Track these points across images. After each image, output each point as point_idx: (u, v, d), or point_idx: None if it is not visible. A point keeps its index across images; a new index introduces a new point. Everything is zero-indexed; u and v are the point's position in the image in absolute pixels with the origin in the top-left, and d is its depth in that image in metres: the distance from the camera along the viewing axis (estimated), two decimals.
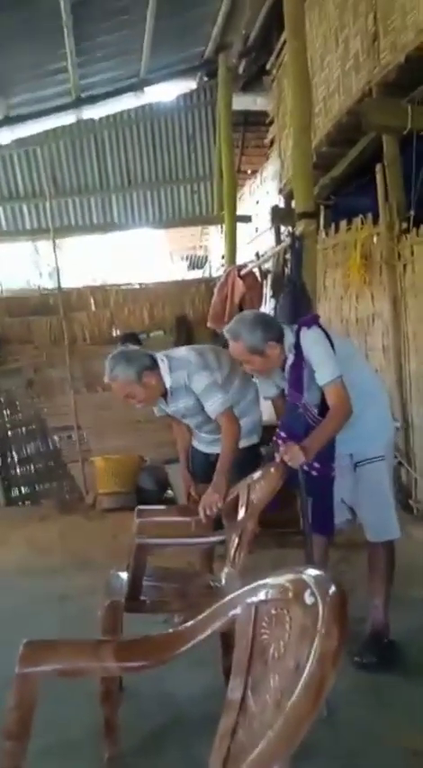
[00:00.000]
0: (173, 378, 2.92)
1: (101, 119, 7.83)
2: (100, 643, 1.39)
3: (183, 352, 3.13)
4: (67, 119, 7.64)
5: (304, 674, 0.92)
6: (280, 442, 2.63)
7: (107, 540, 4.67)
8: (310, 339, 2.62)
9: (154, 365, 2.90)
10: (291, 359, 2.67)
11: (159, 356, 2.97)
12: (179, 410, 3.07)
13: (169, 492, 6.01)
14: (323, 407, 2.63)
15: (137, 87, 7.55)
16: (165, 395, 2.99)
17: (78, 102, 7.36)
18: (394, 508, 2.79)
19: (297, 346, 2.64)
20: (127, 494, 5.72)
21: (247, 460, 2.99)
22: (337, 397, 2.56)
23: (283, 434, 2.68)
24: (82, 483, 6.43)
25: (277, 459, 2.53)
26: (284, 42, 5.49)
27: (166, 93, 8.00)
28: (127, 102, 7.73)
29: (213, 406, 2.90)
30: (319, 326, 2.68)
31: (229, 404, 2.94)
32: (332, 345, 2.62)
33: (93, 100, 7.45)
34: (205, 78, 7.97)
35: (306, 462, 2.51)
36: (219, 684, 1.86)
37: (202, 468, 3.15)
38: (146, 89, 7.62)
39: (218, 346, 3.52)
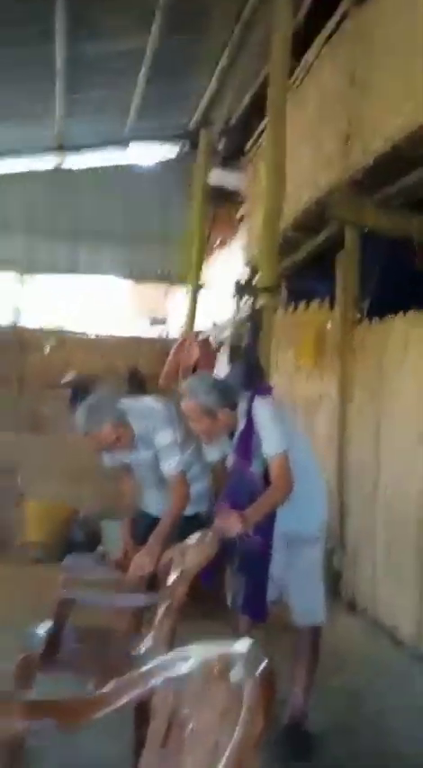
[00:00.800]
0: (138, 426, 2.89)
1: (80, 170, 8.02)
2: (6, 698, 1.32)
3: (149, 401, 3.10)
4: (47, 163, 7.79)
5: (224, 757, 0.90)
6: (220, 508, 2.62)
7: (32, 593, 4.46)
8: (263, 409, 2.63)
9: (123, 414, 2.87)
10: (241, 425, 2.65)
11: (121, 403, 2.93)
12: (135, 460, 3.01)
13: (100, 548, 5.85)
14: (267, 478, 2.61)
15: (120, 144, 7.79)
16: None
17: (60, 149, 7.53)
18: (323, 593, 2.77)
19: (249, 413, 2.62)
20: (57, 544, 5.55)
21: (191, 530, 2.94)
22: (280, 469, 2.55)
23: (225, 503, 2.66)
24: (13, 528, 6.20)
25: (215, 526, 2.50)
26: (264, 128, 5.81)
27: (147, 156, 8.28)
28: (108, 156, 7.95)
29: (171, 464, 2.89)
30: (273, 398, 2.73)
31: (185, 467, 2.93)
32: (282, 419, 2.64)
33: (75, 149, 7.63)
34: (186, 149, 8.30)
35: (244, 532, 2.47)
36: (126, 757, 1.79)
37: (146, 532, 2.98)
38: (129, 145, 7.86)
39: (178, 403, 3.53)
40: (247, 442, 2.64)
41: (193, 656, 1.22)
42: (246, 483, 2.65)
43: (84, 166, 7.98)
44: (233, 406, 2.65)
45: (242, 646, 1.11)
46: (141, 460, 3.01)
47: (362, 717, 2.92)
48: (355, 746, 2.69)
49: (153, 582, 2.66)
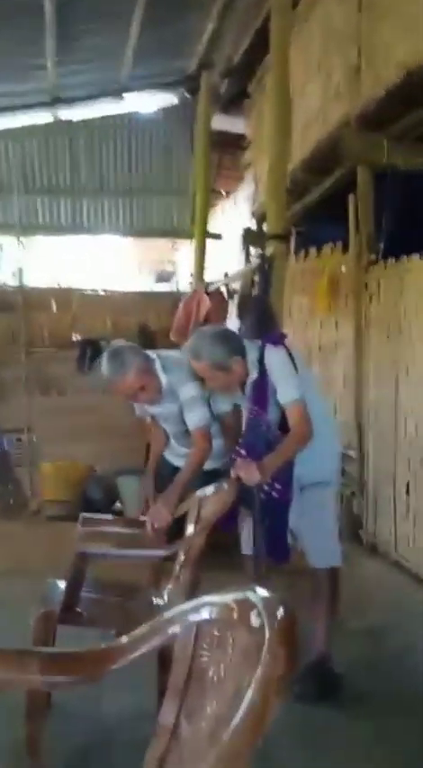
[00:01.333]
0: (165, 377, 2.85)
1: (77, 122, 7.76)
2: (25, 653, 1.28)
3: (177, 354, 3.04)
4: (42, 117, 7.55)
5: (244, 703, 0.85)
6: (238, 458, 2.57)
7: (49, 549, 4.49)
8: (276, 357, 2.58)
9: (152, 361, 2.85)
10: (254, 375, 2.62)
11: (150, 353, 2.89)
12: (163, 413, 2.99)
13: (117, 504, 5.87)
14: (282, 425, 2.58)
15: (116, 94, 7.52)
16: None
17: (55, 102, 7.28)
18: (337, 535, 2.76)
19: (261, 362, 2.59)
20: (73, 503, 5.55)
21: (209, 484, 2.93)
22: (298, 417, 2.52)
23: (243, 452, 2.62)
24: (28, 488, 6.24)
25: (232, 476, 2.47)
26: (267, 67, 5.56)
27: (146, 104, 8.00)
28: (105, 107, 7.68)
29: (194, 419, 2.85)
30: (284, 346, 2.64)
31: (209, 422, 2.88)
32: (295, 366, 2.59)
33: (70, 101, 7.38)
34: (186, 95, 8.00)
35: (262, 482, 2.46)
36: (151, 707, 1.77)
37: (167, 480, 2.97)
38: (126, 96, 7.58)
39: None
40: (262, 390, 2.60)
41: (211, 604, 1.18)
42: (262, 432, 2.62)
43: (81, 118, 7.72)
44: (243, 353, 2.61)
45: (261, 591, 1.06)
46: (168, 413, 2.97)
47: (384, 655, 2.92)
48: (377, 684, 2.69)
49: (175, 534, 2.62)
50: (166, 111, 8.17)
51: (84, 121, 7.81)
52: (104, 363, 2.78)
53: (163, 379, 2.86)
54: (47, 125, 7.70)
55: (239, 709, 0.85)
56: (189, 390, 2.84)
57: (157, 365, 2.87)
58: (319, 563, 2.68)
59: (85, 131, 7.89)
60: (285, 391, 2.55)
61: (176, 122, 8.20)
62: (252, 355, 2.62)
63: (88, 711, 2.39)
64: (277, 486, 2.54)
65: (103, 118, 7.88)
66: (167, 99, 8.10)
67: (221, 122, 8.21)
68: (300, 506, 2.67)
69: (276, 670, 0.87)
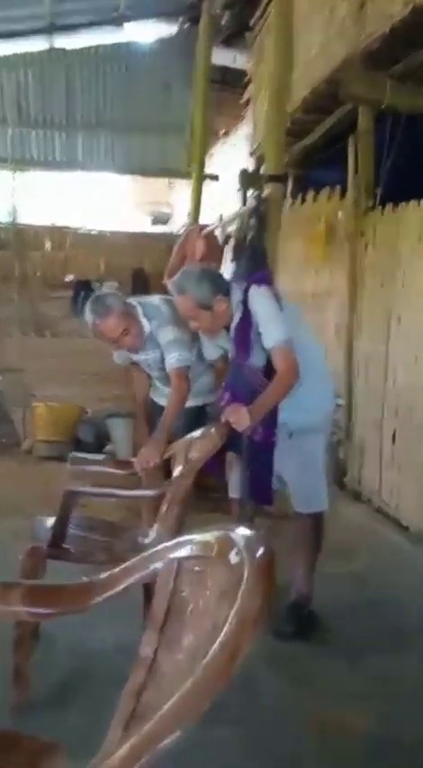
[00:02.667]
0: (146, 325, 2.89)
1: (74, 50, 7.46)
2: (9, 585, 1.31)
3: (155, 300, 3.05)
4: (38, 45, 7.25)
5: (220, 636, 0.87)
6: (224, 403, 2.57)
7: (40, 488, 4.55)
8: (259, 298, 2.51)
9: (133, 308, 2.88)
10: (237, 317, 2.56)
11: (131, 301, 2.91)
12: (146, 360, 3.02)
13: (108, 446, 5.92)
14: (268, 371, 2.54)
15: (115, 22, 7.21)
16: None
17: (52, 29, 6.98)
18: (324, 481, 2.76)
19: (244, 304, 2.52)
20: (65, 443, 5.59)
21: (198, 419, 2.98)
22: (284, 360, 2.46)
23: (227, 395, 2.61)
24: (20, 428, 6.27)
25: (222, 420, 2.46)
26: None
27: (145, 33, 7.69)
28: (103, 36, 7.38)
29: (172, 360, 2.87)
30: (269, 286, 2.58)
31: (187, 363, 2.90)
32: (281, 306, 2.52)
33: (67, 29, 7.08)
34: (186, 25, 7.68)
35: (252, 426, 2.44)
36: (138, 640, 1.82)
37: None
38: (125, 25, 7.28)
39: None
40: (244, 334, 2.55)
41: (193, 541, 1.20)
42: (244, 376, 2.58)
43: (77, 47, 7.42)
44: (227, 293, 2.55)
45: (242, 530, 1.07)
46: (150, 360, 3.01)
47: (365, 598, 3.00)
48: (357, 625, 2.76)
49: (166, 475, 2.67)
50: (165, 43, 7.87)
51: (81, 50, 7.51)
52: (87, 308, 2.82)
53: (146, 325, 2.89)
54: (42, 54, 7.42)
55: (216, 642, 0.87)
56: (168, 334, 2.88)
57: (139, 311, 2.90)
58: (304, 508, 2.71)
59: (81, 61, 7.59)
60: (270, 334, 2.47)
61: (175, 55, 7.90)
62: (236, 297, 2.57)
63: (76, 643, 2.46)
64: (259, 429, 2.52)
65: (100, 48, 7.59)
66: (167, 29, 7.77)
67: (222, 57, 7.92)
68: (287, 452, 2.66)
69: (252, 606, 0.88)
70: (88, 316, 2.81)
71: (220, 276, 2.69)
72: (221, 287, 2.56)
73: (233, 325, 2.59)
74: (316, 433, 2.69)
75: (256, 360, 2.56)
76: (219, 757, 1.91)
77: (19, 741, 1.27)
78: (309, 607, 2.72)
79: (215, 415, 2.71)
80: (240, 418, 2.41)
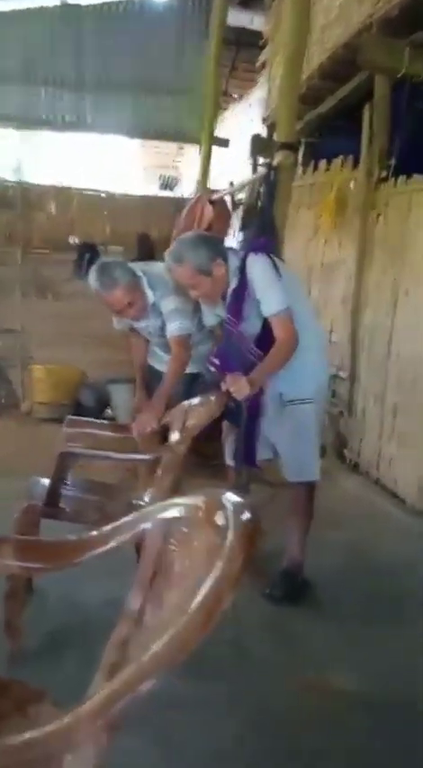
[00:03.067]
0: (149, 294, 2.88)
1: (87, 7, 7.28)
2: (2, 539, 1.33)
3: (160, 269, 3.03)
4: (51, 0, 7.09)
5: (201, 592, 0.89)
6: (227, 374, 2.54)
7: (38, 449, 4.57)
8: (257, 266, 2.49)
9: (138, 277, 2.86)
10: (234, 284, 2.54)
11: (136, 270, 2.89)
12: (147, 328, 3.02)
13: (108, 411, 5.95)
14: (262, 340, 2.53)
15: None
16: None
17: None
18: (316, 452, 2.76)
19: (242, 271, 2.50)
20: (65, 406, 5.61)
21: (196, 386, 2.99)
22: (284, 329, 2.46)
23: (216, 361, 2.63)
24: (20, 389, 6.29)
25: (223, 389, 2.47)
26: None
27: None
28: None
29: (172, 328, 2.87)
30: (268, 254, 2.55)
31: (188, 332, 2.90)
32: (279, 276, 2.50)
33: None
34: None
35: (251, 395, 2.45)
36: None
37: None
38: None
39: None
40: (239, 301, 2.53)
41: (181, 504, 1.22)
42: (235, 343, 2.58)
43: (89, 2, 7.23)
44: (225, 258, 2.53)
45: (231, 495, 1.09)
46: (151, 328, 3.02)
47: (359, 567, 3.04)
48: (351, 593, 2.80)
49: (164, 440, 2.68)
50: (181, 1, 7.66)
51: (93, 6, 7.32)
52: (93, 277, 2.80)
53: (150, 295, 2.89)
54: (54, 9, 7.22)
55: (196, 599, 0.89)
56: (170, 303, 2.87)
57: (144, 282, 2.88)
58: (296, 477, 2.72)
59: (93, 18, 7.40)
60: (269, 302, 2.47)
61: (190, 14, 7.71)
62: (233, 263, 2.55)
63: (69, 598, 2.50)
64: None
65: (114, 5, 7.39)
66: None
67: (239, 18, 7.73)
68: (280, 422, 2.68)
69: (233, 567, 0.90)
70: (94, 284, 2.80)
71: (217, 240, 2.67)
72: (219, 251, 2.54)
73: (229, 291, 2.57)
74: (309, 403, 2.68)
75: (251, 328, 2.55)
76: (206, 709, 1.97)
77: (8, 686, 1.30)
78: (301, 573, 2.75)
79: (213, 383, 2.71)
80: (240, 387, 2.43)
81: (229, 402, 2.49)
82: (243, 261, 2.51)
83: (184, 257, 2.51)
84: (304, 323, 2.55)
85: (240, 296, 2.52)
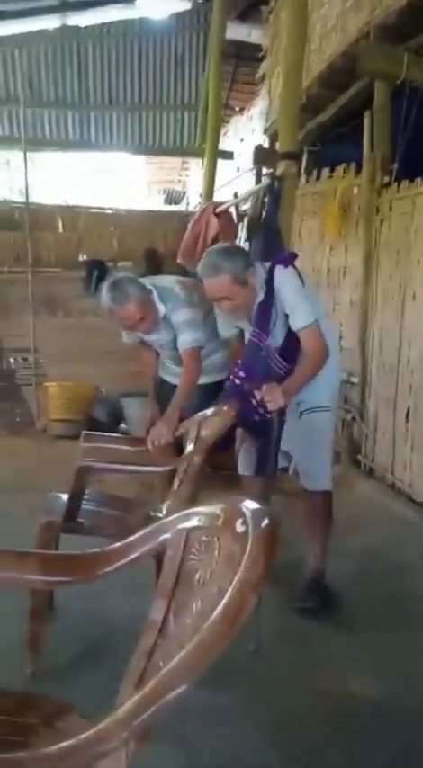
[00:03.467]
0: (160, 307, 2.92)
1: (87, 27, 7.40)
2: (25, 554, 1.35)
3: (169, 283, 3.07)
4: (50, 23, 7.21)
5: (224, 599, 0.90)
6: (261, 385, 2.51)
7: (55, 465, 4.62)
8: (287, 280, 2.52)
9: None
10: (261, 296, 2.56)
11: (147, 284, 2.93)
12: (159, 341, 3.05)
13: (122, 425, 5.98)
14: (286, 352, 2.57)
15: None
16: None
17: (64, 7, 6.93)
18: (331, 461, 2.79)
19: (269, 284, 2.53)
20: (79, 422, 5.65)
21: (214, 395, 3.01)
22: (314, 341, 2.50)
23: (242, 374, 2.61)
24: (34, 408, 6.34)
25: (257, 398, 2.47)
26: None
27: (159, 9, 7.59)
28: (116, 12, 7.31)
29: (185, 341, 2.91)
30: (295, 267, 2.59)
31: (200, 344, 2.94)
32: (305, 288, 2.57)
33: (80, 6, 7.02)
34: (201, 0, 7.58)
35: (286, 405, 2.47)
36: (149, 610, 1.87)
37: (170, 397, 3.09)
38: (137, 2, 7.20)
39: (199, 282, 3.53)
40: (266, 313, 2.55)
41: (201, 512, 1.23)
42: (261, 356, 2.59)
43: (90, 23, 7.35)
44: (252, 267, 2.57)
45: (249, 502, 1.10)
46: (163, 341, 3.05)
47: (378, 573, 3.03)
48: (372, 601, 2.80)
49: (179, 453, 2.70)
50: (179, 18, 7.77)
51: (93, 27, 7.44)
52: (105, 294, 2.83)
53: (161, 309, 2.93)
54: (55, 32, 7.35)
55: (220, 605, 0.90)
56: (181, 315, 2.92)
57: (155, 295, 2.92)
58: (313, 486, 2.73)
59: (94, 39, 7.52)
60: (299, 315, 2.50)
61: (189, 30, 7.82)
62: (260, 276, 2.56)
63: (91, 614, 2.52)
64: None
65: (113, 24, 7.50)
66: (181, 4, 7.67)
67: (237, 32, 7.80)
68: (296, 431, 2.68)
69: (254, 573, 0.92)
70: (106, 301, 2.83)
71: (244, 250, 2.78)
72: (250, 261, 2.58)
73: (255, 305, 2.58)
74: (326, 411, 2.72)
75: (273, 341, 2.58)
76: (225, 716, 1.98)
77: (35, 700, 1.32)
78: (323, 581, 2.75)
79: (232, 394, 2.69)
80: (276, 398, 2.43)
81: (256, 413, 2.48)
82: (270, 273, 2.54)
83: (221, 268, 2.50)
84: (324, 333, 2.59)
85: (267, 308, 2.54)
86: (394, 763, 1.87)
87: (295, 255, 2.75)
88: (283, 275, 2.53)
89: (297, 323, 2.50)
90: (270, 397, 2.43)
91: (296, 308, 2.50)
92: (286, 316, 2.54)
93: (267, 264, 2.60)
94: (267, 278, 2.54)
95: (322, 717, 2.05)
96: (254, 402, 2.49)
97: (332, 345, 2.73)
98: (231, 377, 2.67)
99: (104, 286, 2.88)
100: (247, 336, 2.72)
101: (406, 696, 2.16)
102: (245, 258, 2.57)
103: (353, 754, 1.89)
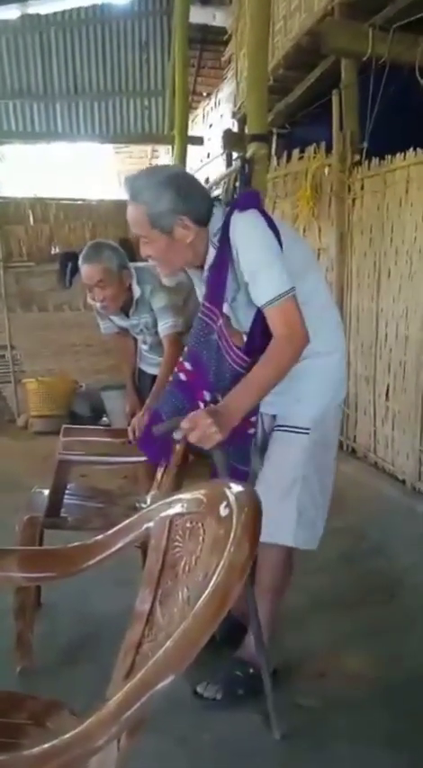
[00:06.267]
0: (140, 288, 2.88)
1: (48, 16, 7.27)
2: (4, 552, 1.32)
3: (150, 266, 3.03)
4: (10, 13, 7.05)
5: (210, 583, 0.88)
6: (178, 421, 1.69)
7: (36, 462, 4.58)
8: (246, 229, 1.68)
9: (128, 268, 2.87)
10: (212, 256, 1.76)
11: (129, 265, 2.91)
12: (138, 325, 3.01)
13: (104, 419, 5.93)
14: (255, 340, 1.75)
15: None
16: (127, 307, 2.94)
17: None
18: (301, 510, 1.90)
19: (224, 233, 1.72)
20: (60, 417, 5.60)
21: None
22: (283, 322, 1.66)
23: (188, 366, 1.88)
24: (14, 405, 6.27)
25: (177, 437, 1.72)
26: None
27: None
28: (77, 0, 7.19)
29: (165, 325, 2.88)
30: (259, 209, 1.73)
31: (180, 329, 2.90)
32: (280, 241, 1.70)
33: None
34: None
35: (222, 439, 1.64)
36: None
37: (149, 390, 3.06)
38: None
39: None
40: (219, 280, 1.74)
41: (184, 499, 1.21)
42: (212, 342, 1.80)
43: (52, 11, 7.21)
44: (198, 219, 1.75)
45: (231, 485, 1.08)
46: (143, 325, 3.01)
47: (363, 549, 3.05)
48: (357, 574, 2.82)
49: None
50: (141, 3, 7.66)
51: (55, 15, 7.31)
52: (84, 250, 2.83)
53: (136, 290, 2.89)
54: (16, 21, 7.20)
55: (206, 589, 0.89)
56: (161, 299, 2.89)
57: (133, 275, 2.90)
58: (266, 536, 1.33)
59: (56, 27, 7.39)
60: (264, 283, 1.67)
61: (152, 15, 7.71)
62: (215, 224, 1.76)
63: (78, 609, 2.50)
64: (252, 419, 1.85)
65: (75, 11, 7.37)
66: None
67: (201, 15, 7.72)
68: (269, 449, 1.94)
69: (240, 557, 0.90)
70: (81, 257, 2.83)
71: (198, 191, 1.80)
72: (191, 205, 1.73)
73: (207, 265, 1.80)
74: (300, 433, 1.86)
75: (241, 319, 1.79)
76: (226, 706, 1.97)
77: (22, 701, 1.30)
78: (257, 673, 1.90)
79: (177, 397, 1.94)
80: (205, 434, 1.61)
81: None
82: (226, 222, 1.72)
83: (139, 195, 1.74)
84: (318, 311, 1.79)
85: (220, 274, 1.74)
86: (406, 738, 1.87)
87: (257, 194, 1.90)
88: (240, 223, 1.68)
89: (259, 295, 1.68)
90: (195, 433, 1.62)
91: (257, 272, 1.67)
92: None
93: (226, 208, 1.78)
94: (222, 229, 1.73)
95: (324, 696, 2.04)
96: (176, 444, 1.83)
97: (331, 336, 1.91)
98: (176, 371, 1.93)
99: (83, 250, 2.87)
100: (200, 312, 1.88)
101: (401, 670, 2.17)
102: (182, 199, 1.72)
103: (362, 732, 1.89)
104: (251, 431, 1.85)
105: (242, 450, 1.85)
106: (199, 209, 1.76)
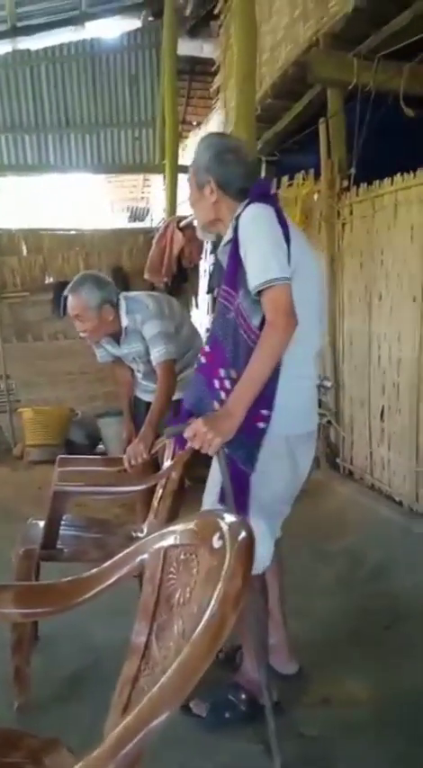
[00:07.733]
0: (129, 318, 2.89)
1: (38, 51, 7.40)
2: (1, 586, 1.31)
3: (141, 296, 3.06)
4: (1, 48, 7.20)
5: (205, 616, 0.88)
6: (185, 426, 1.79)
7: (33, 492, 4.57)
8: (253, 219, 1.80)
9: (116, 302, 2.87)
10: (229, 233, 1.89)
11: (119, 296, 2.93)
12: (130, 354, 3.03)
13: (100, 446, 5.93)
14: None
15: (77, 21, 7.17)
16: (118, 336, 2.95)
17: (14, 32, 6.92)
18: (270, 532, 1.91)
19: (237, 229, 1.83)
20: (56, 446, 5.59)
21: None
22: (271, 308, 1.72)
23: (207, 349, 1.94)
24: (10, 434, 6.26)
25: (172, 451, 1.90)
26: None
27: (109, 29, 7.63)
28: (67, 35, 7.33)
29: (157, 354, 2.89)
30: (274, 207, 1.85)
31: (173, 356, 2.91)
32: (288, 239, 1.80)
33: (29, 30, 7.03)
34: (150, 18, 7.64)
35: (223, 442, 1.74)
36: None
37: (144, 417, 3.03)
38: (87, 24, 7.24)
39: (169, 296, 3.57)
40: (234, 265, 1.82)
41: (177, 530, 1.21)
42: (230, 321, 1.83)
43: (41, 46, 7.35)
44: (222, 180, 1.96)
45: (225, 516, 1.08)
46: (134, 353, 3.02)
47: (362, 572, 3.03)
48: (356, 598, 2.80)
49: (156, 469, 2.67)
50: (130, 37, 7.80)
51: (45, 51, 7.44)
52: (73, 280, 2.86)
53: (124, 320, 2.90)
54: (6, 56, 7.33)
55: (201, 622, 0.88)
56: (153, 327, 2.89)
57: (122, 306, 2.90)
58: None
59: (47, 61, 7.52)
60: (254, 268, 1.74)
61: (141, 49, 7.85)
62: (240, 208, 1.89)
63: (77, 641, 2.47)
64: (264, 412, 1.80)
65: (65, 46, 7.51)
66: (131, 23, 7.72)
67: (189, 47, 7.87)
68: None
69: (233, 588, 0.89)
70: (67, 289, 2.85)
71: (235, 164, 1.96)
72: (221, 172, 1.94)
73: (224, 240, 1.94)
74: (277, 445, 1.85)
75: (251, 312, 1.81)
76: (229, 733, 1.96)
77: (19, 739, 1.28)
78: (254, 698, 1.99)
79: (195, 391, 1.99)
80: (206, 439, 1.71)
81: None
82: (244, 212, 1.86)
83: (195, 152, 2.05)
84: (302, 322, 1.77)
85: (234, 259, 1.83)
86: (411, 763, 1.85)
87: (271, 193, 2.04)
88: (249, 213, 1.81)
89: (250, 279, 1.75)
90: (197, 440, 1.73)
91: (250, 257, 1.76)
92: None
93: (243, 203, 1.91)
94: (235, 223, 1.85)
95: (326, 722, 2.02)
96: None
97: (306, 346, 1.91)
98: (199, 356, 2.00)
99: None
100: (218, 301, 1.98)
101: (402, 694, 2.14)
102: (209, 162, 1.96)
103: (366, 757, 1.86)
104: (261, 425, 1.80)
105: (248, 447, 1.82)
106: (227, 179, 1.94)
